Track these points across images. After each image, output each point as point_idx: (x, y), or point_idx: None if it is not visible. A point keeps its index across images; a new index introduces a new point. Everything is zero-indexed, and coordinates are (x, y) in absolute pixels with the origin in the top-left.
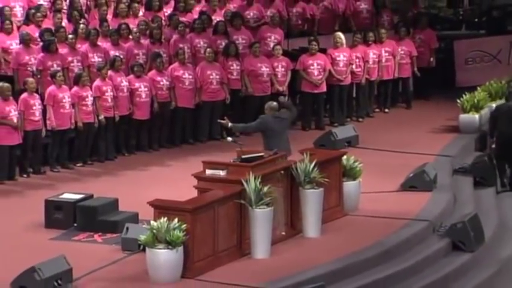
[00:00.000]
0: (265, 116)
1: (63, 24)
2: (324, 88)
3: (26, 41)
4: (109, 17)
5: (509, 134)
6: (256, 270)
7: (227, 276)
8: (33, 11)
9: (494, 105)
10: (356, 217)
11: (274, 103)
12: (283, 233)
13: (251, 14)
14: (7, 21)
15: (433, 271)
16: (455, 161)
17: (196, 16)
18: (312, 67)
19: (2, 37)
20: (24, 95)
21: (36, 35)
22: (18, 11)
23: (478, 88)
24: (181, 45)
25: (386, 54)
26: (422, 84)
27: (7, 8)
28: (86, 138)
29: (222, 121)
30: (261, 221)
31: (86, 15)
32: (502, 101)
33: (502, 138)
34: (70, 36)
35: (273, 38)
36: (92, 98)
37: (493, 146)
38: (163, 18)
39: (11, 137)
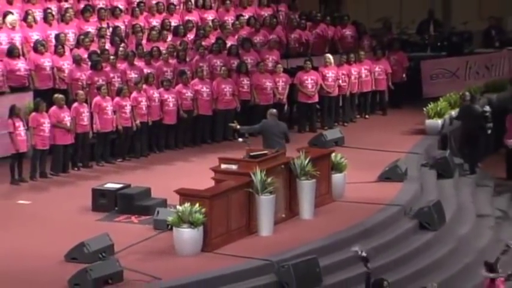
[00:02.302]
0: (266, 120)
1: (107, 47)
2: (316, 99)
3: (78, 61)
4: (143, 41)
5: (470, 128)
6: (262, 245)
7: (238, 250)
8: (82, 36)
9: (453, 112)
10: (342, 203)
11: (274, 110)
12: (284, 216)
13: (258, 39)
14: (59, 46)
15: (404, 246)
16: (422, 158)
17: (213, 41)
18: (306, 82)
19: (56, 58)
20: (76, 104)
21: (85, 56)
22: (71, 37)
23: (441, 99)
24: (201, 64)
25: (365, 71)
26: (395, 95)
27: (62, 35)
28: (124, 138)
29: (232, 124)
30: (266, 206)
31: (125, 40)
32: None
33: (465, 131)
34: (112, 57)
35: (270, 58)
36: (130, 107)
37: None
38: (187, 42)
39: (65, 138)
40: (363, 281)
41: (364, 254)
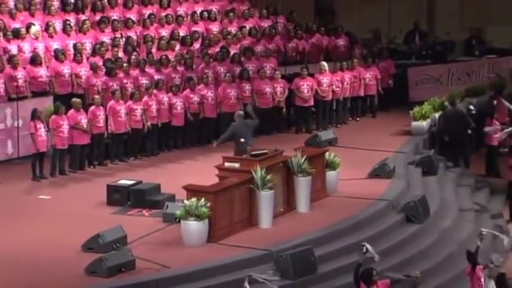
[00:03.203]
0: (235, 123)
1: (120, 55)
2: (311, 102)
3: (94, 68)
4: (154, 50)
5: (456, 129)
6: (262, 236)
7: (240, 241)
8: (98, 45)
9: (437, 115)
10: (335, 198)
11: (241, 112)
12: (282, 210)
13: (258, 48)
14: (78, 54)
15: (392, 237)
16: (409, 156)
17: (218, 49)
18: (302, 87)
19: (75, 65)
20: (92, 107)
21: (101, 63)
22: (88, 46)
23: (425, 103)
24: (206, 71)
25: (357, 78)
26: (384, 99)
27: (79, 44)
28: (135, 139)
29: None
30: (265, 201)
31: (137, 49)
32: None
33: (453, 134)
34: (125, 64)
35: (268, 66)
36: (141, 110)
37: (446, 139)
38: (194, 51)
39: (82, 138)
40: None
41: (371, 252)
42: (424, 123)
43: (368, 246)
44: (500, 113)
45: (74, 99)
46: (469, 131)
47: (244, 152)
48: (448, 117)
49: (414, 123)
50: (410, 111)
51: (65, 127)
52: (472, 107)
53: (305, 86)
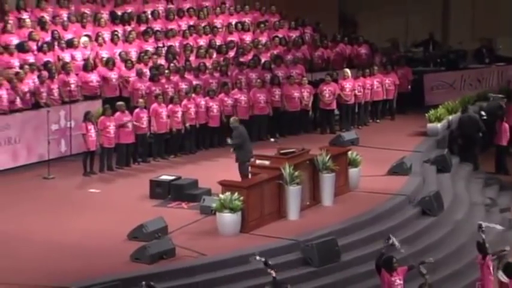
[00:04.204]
0: (239, 127)
1: (162, 62)
2: (334, 106)
3: (139, 74)
4: (192, 58)
5: (470, 134)
6: (290, 227)
7: (270, 231)
8: (142, 54)
9: (451, 117)
10: (357, 192)
11: (237, 118)
12: (308, 203)
13: (287, 56)
14: (129, 61)
15: (409, 229)
16: (424, 155)
17: (250, 57)
18: (324, 91)
19: (126, 71)
20: (137, 110)
21: (145, 70)
22: (134, 55)
23: (440, 106)
24: (240, 77)
25: (377, 83)
26: (402, 103)
27: (123, 52)
28: (176, 138)
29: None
30: (293, 195)
31: (177, 57)
32: (457, 114)
33: (466, 136)
34: (166, 71)
35: (294, 72)
36: (181, 112)
37: (460, 142)
38: (229, 58)
39: (127, 138)
40: (375, 258)
41: (395, 243)
42: (439, 125)
43: (394, 238)
44: (510, 116)
45: (117, 103)
46: (480, 134)
47: (249, 154)
48: (462, 122)
49: (429, 125)
50: (426, 114)
51: (112, 128)
52: (483, 113)
53: (327, 91)
